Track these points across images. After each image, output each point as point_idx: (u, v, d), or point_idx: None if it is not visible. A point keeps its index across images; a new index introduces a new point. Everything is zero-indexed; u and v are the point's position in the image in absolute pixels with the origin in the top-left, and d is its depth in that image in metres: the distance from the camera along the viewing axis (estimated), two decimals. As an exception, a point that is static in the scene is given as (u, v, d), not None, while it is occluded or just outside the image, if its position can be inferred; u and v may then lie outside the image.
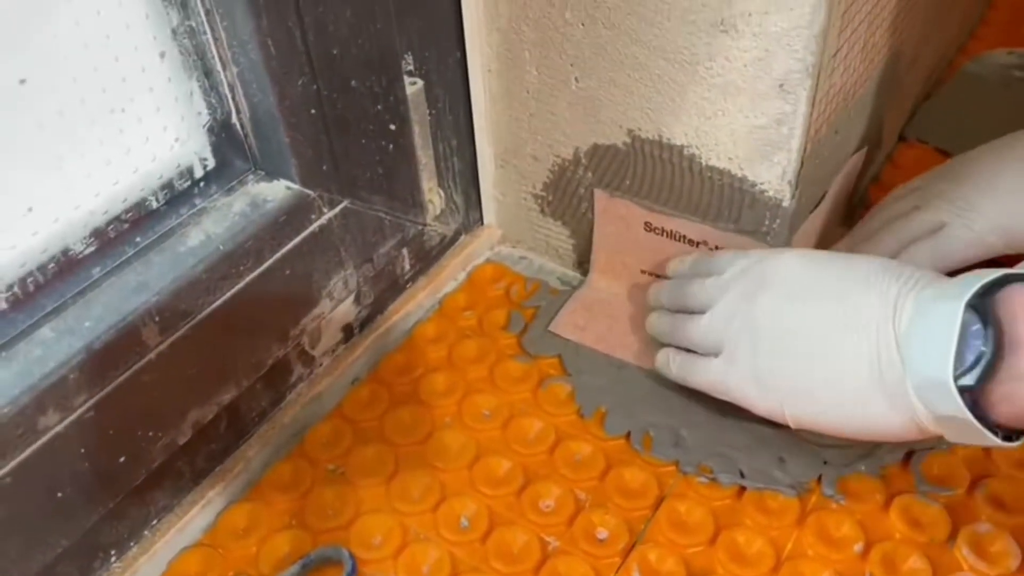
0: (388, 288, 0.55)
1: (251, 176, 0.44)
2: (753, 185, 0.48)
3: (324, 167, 0.44)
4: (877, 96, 0.56)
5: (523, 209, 0.60)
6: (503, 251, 0.62)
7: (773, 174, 0.47)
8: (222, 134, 0.42)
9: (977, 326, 0.36)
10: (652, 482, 0.47)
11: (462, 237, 0.61)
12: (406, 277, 0.57)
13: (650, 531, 0.45)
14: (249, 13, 0.37)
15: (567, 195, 0.57)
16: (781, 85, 0.44)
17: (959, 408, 0.36)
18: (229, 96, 0.41)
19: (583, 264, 0.60)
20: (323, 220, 0.45)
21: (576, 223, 0.58)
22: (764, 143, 0.46)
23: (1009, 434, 0.37)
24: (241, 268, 0.41)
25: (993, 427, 0.36)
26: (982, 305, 0.37)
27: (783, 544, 0.44)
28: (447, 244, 0.59)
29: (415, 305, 0.57)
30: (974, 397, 0.36)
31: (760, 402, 0.45)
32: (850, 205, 0.61)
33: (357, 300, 0.52)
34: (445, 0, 0.50)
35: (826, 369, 0.41)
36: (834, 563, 0.43)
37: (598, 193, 0.55)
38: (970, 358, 0.36)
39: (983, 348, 0.36)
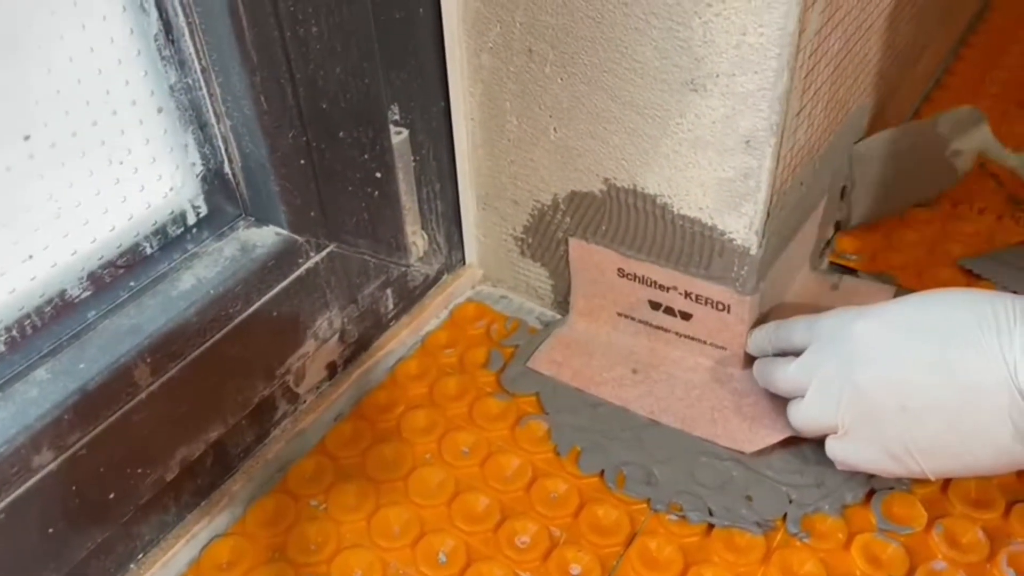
0: (372, 327, 0.57)
1: (242, 222, 0.46)
2: (722, 234, 0.51)
3: (312, 214, 0.46)
4: (843, 148, 0.59)
5: (504, 250, 0.63)
6: (484, 290, 0.64)
7: (741, 224, 0.50)
8: (215, 183, 0.44)
9: None
10: (624, 519, 0.48)
11: (445, 276, 0.63)
12: (389, 316, 0.58)
13: (622, 568, 0.46)
14: (244, 71, 0.40)
15: (546, 238, 0.59)
16: (747, 141, 0.46)
17: None
18: (222, 147, 0.43)
19: (562, 304, 0.62)
20: (310, 264, 0.47)
21: (555, 265, 0.60)
22: (732, 195, 0.49)
23: None
24: (230, 311, 0.43)
25: None
26: None
27: (749, 580, 0.46)
28: (430, 283, 0.61)
29: (398, 343, 0.58)
30: None
31: (897, 469, 0.46)
32: (817, 249, 0.63)
33: (341, 339, 0.54)
34: (430, 55, 0.52)
35: (963, 442, 0.42)
36: (797, 599, 0.44)
37: (573, 242, 0.57)
38: None
39: None
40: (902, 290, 0.60)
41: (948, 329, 0.43)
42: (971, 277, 0.62)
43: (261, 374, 0.47)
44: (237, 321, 0.43)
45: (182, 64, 0.40)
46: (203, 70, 0.40)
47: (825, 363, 0.47)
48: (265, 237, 0.45)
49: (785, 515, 0.48)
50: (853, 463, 0.47)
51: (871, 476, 0.49)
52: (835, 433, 0.47)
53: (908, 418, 0.43)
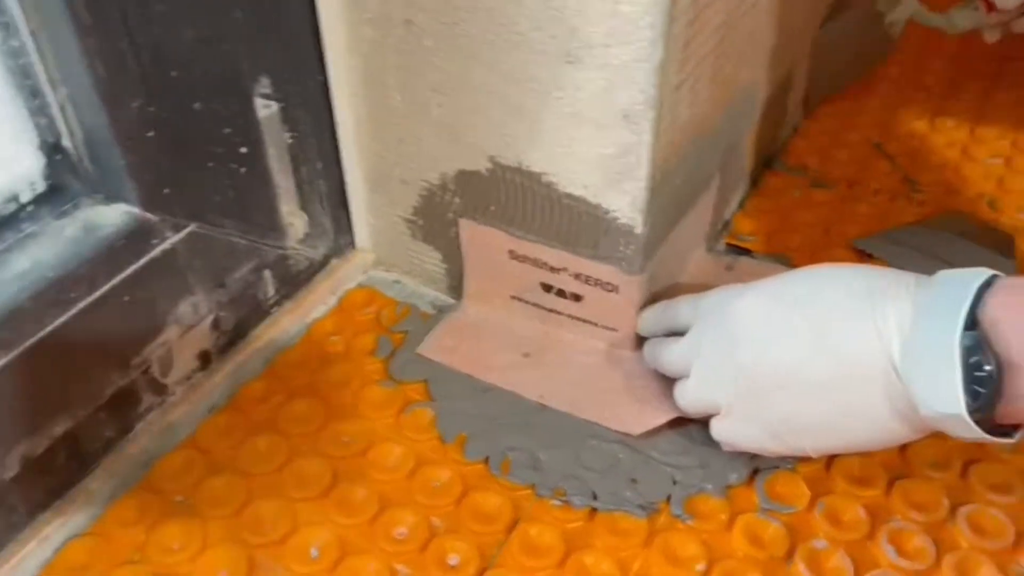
0: (250, 313, 0.54)
1: (87, 200, 0.43)
2: (607, 212, 0.49)
3: (166, 191, 0.43)
4: (733, 125, 0.58)
5: (395, 233, 0.60)
6: (376, 275, 0.62)
7: (624, 202, 0.49)
8: (53, 156, 0.41)
9: (976, 358, 0.36)
10: (507, 506, 0.47)
11: (333, 261, 0.60)
12: (270, 302, 0.56)
13: (502, 556, 0.45)
14: (74, 34, 0.37)
15: (437, 220, 0.57)
16: (626, 116, 0.45)
17: (971, 429, 0.37)
18: (60, 118, 0.40)
19: (457, 288, 0.60)
20: (166, 245, 0.44)
21: (447, 247, 0.59)
22: (614, 172, 0.48)
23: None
24: (72, 295, 0.40)
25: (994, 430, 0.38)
26: (968, 319, 0.37)
27: (630, 565, 0.44)
28: (316, 268, 0.59)
29: (280, 331, 0.56)
30: (983, 417, 0.37)
31: (780, 448, 0.45)
32: (714, 231, 0.63)
33: (215, 326, 0.51)
34: (304, 25, 0.50)
35: (842, 419, 0.42)
36: (677, 583, 0.43)
37: (463, 222, 0.55)
38: (976, 390, 0.36)
39: (987, 369, 0.36)
40: (796, 271, 0.60)
41: (825, 307, 0.42)
42: (865, 257, 0.63)
43: (114, 364, 0.44)
44: (81, 306, 0.40)
45: (6, 26, 0.37)
46: (32, 32, 0.37)
47: (707, 343, 0.46)
48: (113, 216, 0.42)
49: (669, 497, 0.47)
50: (737, 443, 0.47)
51: (755, 456, 0.48)
52: (719, 413, 0.46)
53: (788, 396, 0.43)
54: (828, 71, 0.75)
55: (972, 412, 0.37)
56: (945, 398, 0.37)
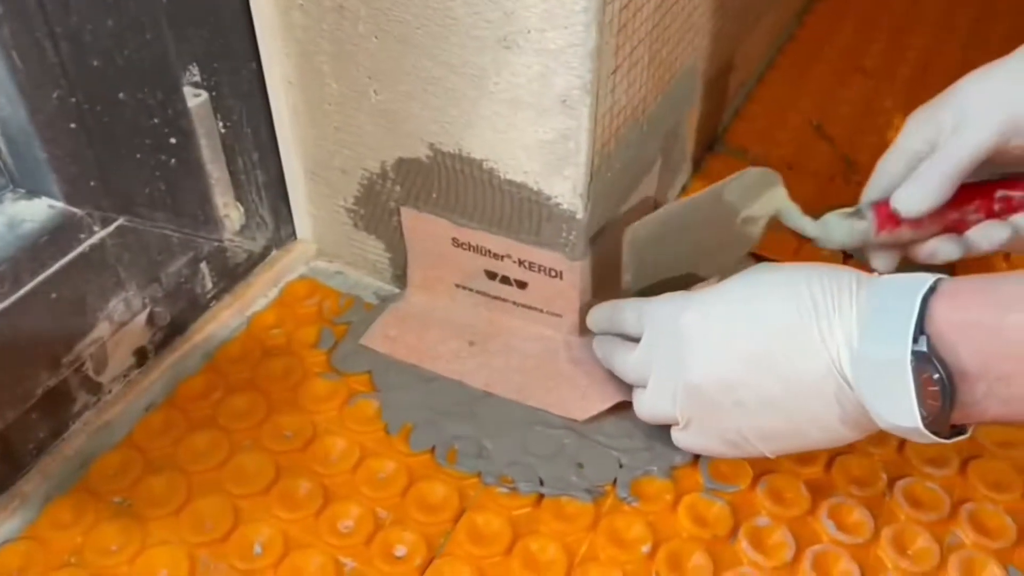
0: (188, 308, 0.53)
1: (8, 195, 0.41)
2: (548, 198, 0.49)
3: (92, 184, 0.42)
4: (673, 110, 0.59)
5: (337, 223, 0.59)
6: (319, 266, 0.61)
7: (565, 187, 0.48)
8: (-29, 151, 0.40)
9: (927, 373, 0.36)
10: (454, 495, 0.47)
11: (273, 252, 0.59)
12: (208, 296, 0.55)
13: (449, 545, 0.45)
14: (-13, 23, 0.35)
15: (378, 209, 0.57)
16: (564, 101, 0.45)
17: (933, 439, 0.37)
18: (-25, 111, 0.38)
19: (401, 278, 0.59)
20: (94, 239, 0.42)
21: (390, 237, 0.58)
22: (554, 157, 0.47)
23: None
24: (-6, 293, 0.38)
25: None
26: (916, 329, 0.37)
27: (577, 549, 0.45)
28: (255, 260, 0.58)
29: (219, 325, 0.55)
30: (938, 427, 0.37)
31: (739, 453, 0.45)
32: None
33: (150, 322, 0.50)
34: (234, 11, 0.49)
35: (796, 428, 0.42)
36: (623, 564, 0.44)
37: (405, 211, 0.55)
38: (930, 403, 0.36)
39: (937, 379, 0.36)
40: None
41: (770, 322, 0.41)
42: (804, 238, 0.63)
43: (43, 363, 0.42)
44: (5, 305, 0.39)
45: (-87, 12, 0.35)
46: (-59, 20, 0.36)
47: (658, 358, 0.46)
48: (36, 210, 0.41)
49: (615, 480, 0.47)
50: (697, 450, 0.47)
51: (699, 437, 0.48)
52: (677, 425, 0.46)
53: (742, 412, 0.42)
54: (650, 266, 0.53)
55: (928, 423, 0.37)
56: (901, 413, 0.37)
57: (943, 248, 0.49)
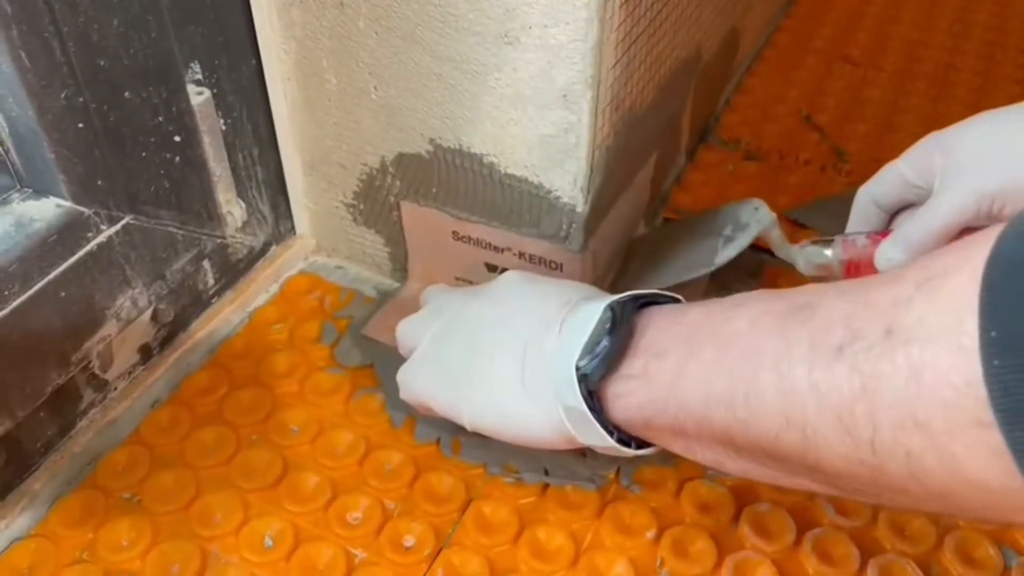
0: (190, 305, 0.53)
1: (16, 195, 0.41)
2: (548, 192, 0.50)
3: (99, 183, 0.42)
4: (669, 102, 0.59)
5: (336, 218, 0.60)
6: (318, 261, 0.62)
7: (565, 181, 0.49)
8: (-23, 150, 0.40)
9: (610, 325, 0.37)
10: (460, 486, 0.47)
11: (273, 248, 0.59)
12: (211, 292, 0.55)
13: (457, 534, 0.45)
14: (-4, 23, 0.35)
15: (377, 203, 0.57)
16: (565, 96, 0.46)
17: (577, 397, 0.36)
18: (-18, 110, 0.38)
19: (401, 272, 0.60)
20: (101, 238, 0.43)
21: (389, 231, 0.58)
22: (555, 151, 0.48)
23: (629, 440, 0.38)
24: (6, 293, 0.39)
25: (611, 427, 0.37)
26: (625, 313, 0.37)
27: (583, 537, 0.45)
28: (256, 256, 0.58)
29: (221, 321, 0.55)
30: (592, 389, 0.37)
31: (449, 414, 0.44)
32: (652, 206, 0.64)
33: (154, 319, 0.50)
34: (233, 9, 0.49)
35: (515, 435, 0.41)
36: (628, 551, 0.45)
37: (405, 205, 0.55)
38: (597, 351, 0.36)
39: (607, 344, 0.36)
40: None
41: (487, 342, 0.42)
42: (797, 227, 0.64)
43: (53, 361, 0.42)
44: (15, 304, 0.39)
45: (-80, 15, 0.35)
46: (-50, 21, 0.36)
47: (426, 338, 0.45)
48: (44, 210, 0.41)
49: (619, 469, 0.48)
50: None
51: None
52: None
53: (457, 366, 0.43)
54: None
55: (580, 366, 0.36)
56: (566, 350, 0.37)
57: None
